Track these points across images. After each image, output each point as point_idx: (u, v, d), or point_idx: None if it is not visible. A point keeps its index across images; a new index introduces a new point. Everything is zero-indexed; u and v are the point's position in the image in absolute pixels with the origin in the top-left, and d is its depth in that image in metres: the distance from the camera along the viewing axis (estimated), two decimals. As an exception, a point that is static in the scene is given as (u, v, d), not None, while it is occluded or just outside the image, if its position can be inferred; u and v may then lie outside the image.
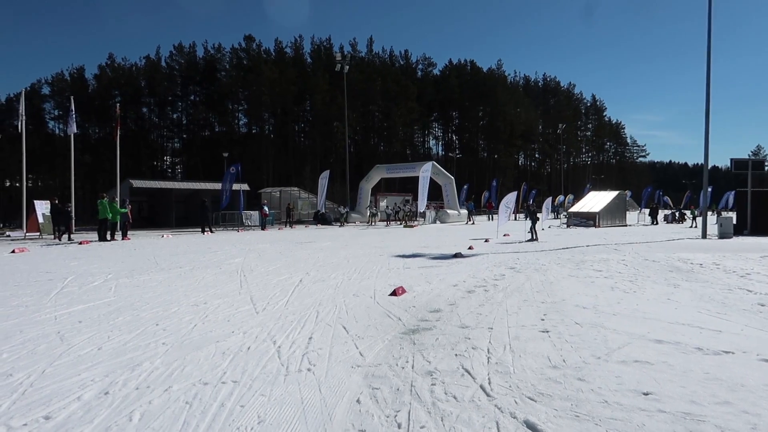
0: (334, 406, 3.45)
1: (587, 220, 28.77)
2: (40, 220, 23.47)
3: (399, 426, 3.16)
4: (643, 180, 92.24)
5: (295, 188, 44.49)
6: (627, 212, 34.17)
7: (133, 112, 70.83)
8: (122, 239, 19.69)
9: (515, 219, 32.75)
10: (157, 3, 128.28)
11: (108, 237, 19.29)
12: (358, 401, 3.55)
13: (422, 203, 31.77)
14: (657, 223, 33.51)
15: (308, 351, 4.71)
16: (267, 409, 3.41)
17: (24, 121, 26.46)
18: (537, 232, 17.88)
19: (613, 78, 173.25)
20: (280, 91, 67.27)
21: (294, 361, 4.42)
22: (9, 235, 24.47)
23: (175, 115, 75.79)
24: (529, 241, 17.13)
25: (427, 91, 78.59)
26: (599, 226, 27.78)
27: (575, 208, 31.87)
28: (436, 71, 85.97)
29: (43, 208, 23.59)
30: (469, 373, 4.11)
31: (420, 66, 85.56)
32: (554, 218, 39.22)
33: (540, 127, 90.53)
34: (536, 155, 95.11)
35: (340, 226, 31.41)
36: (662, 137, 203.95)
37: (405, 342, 5.05)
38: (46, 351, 4.72)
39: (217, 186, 31.94)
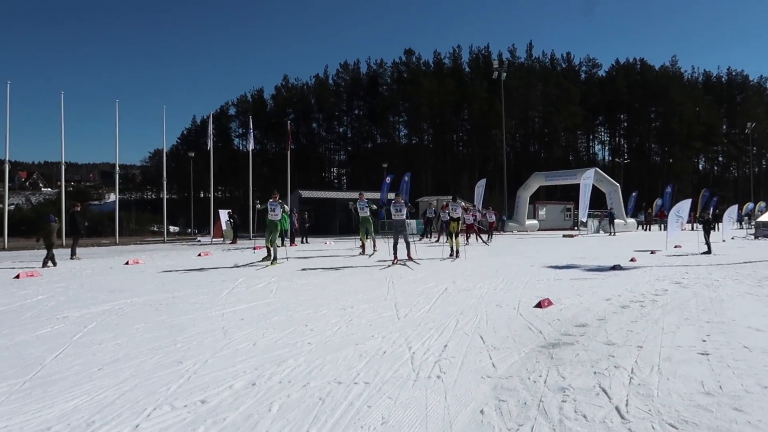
0: (456, 415, 3.48)
1: (781, 230, 25.21)
2: (224, 227, 26.37)
3: (519, 440, 3.11)
4: None
5: (452, 197, 44.72)
6: (835, 222, 29.30)
7: (304, 128, 76.68)
8: (290, 245, 21.32)
9: (692, 229, 29.78)
10: (326, 31, 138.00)
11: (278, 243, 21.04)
12: (481, 412, 3.54)
13: (583, 212, 30.20)
14: None
15: (441, 358, 4.77)
16: (392, 411, 3.54)
17: (213, 140, 29.95)
18: (710, 243, 16.07)
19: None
20: (438, 101, 68.40)
21: (425, 367, 4.52)
22: (199, 240, 27.82)
23: (341, 129, 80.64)
24: (704, 253, 15.49)
25: (591, 93, 74.62)
26: (797, 238, 24.20)
27: (765, 217, 28.10)
28: (601, 72, 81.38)
29: (226, 216, 26.48)
30: (606, 393, 3.88)
31: (584, 68, 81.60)
32: (740, 228, 34.95)
33: (724, 127, 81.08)
34: (719, 158, 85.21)
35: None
36: None
37: (542, 356, 4.90)
38: (211, 343, 5.34)
39: (377, 195, 33.30)
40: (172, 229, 50.65)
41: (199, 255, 16.25)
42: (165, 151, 33.90)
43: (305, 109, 77.26)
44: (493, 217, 23.95)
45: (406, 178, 31.89)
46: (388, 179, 32.38)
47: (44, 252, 13.44)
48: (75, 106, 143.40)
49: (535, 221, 38.00)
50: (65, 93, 23.13)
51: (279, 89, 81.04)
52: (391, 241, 13.12)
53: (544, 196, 44.72)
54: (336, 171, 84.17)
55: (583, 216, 30.93)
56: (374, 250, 16.33)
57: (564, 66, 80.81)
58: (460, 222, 15.75)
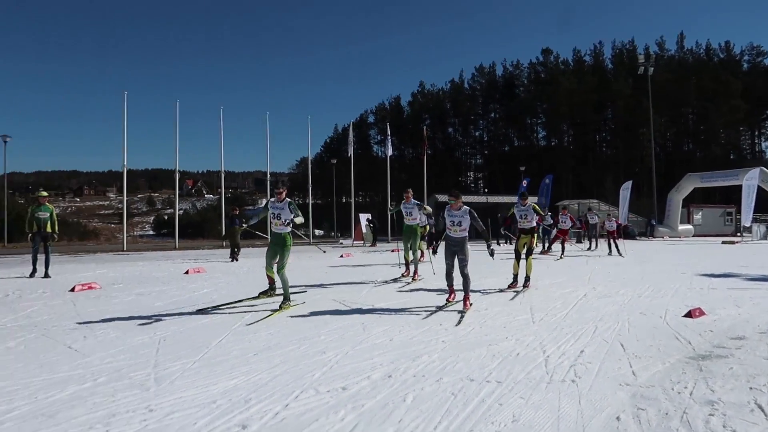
0: (590, 419, 3.43)
1: None
2: (364, 230, 27.47)
3: (658, 449, 3.00)
4: None
5: (594, 200, 42.60)
6: None
7: (440, 133, 77.32)
8: (427, 248, 21.67)
9: None
10: (461, 36, 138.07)
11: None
12: (617, 419, 3.45)
13: (747, 216, 27.30)
14: None
15: (576, 363, 4.68)
16: (523, 410, 3.57)
17: (353, 147, 31.33)
18: None
19: None
20: (579, 101, 65.41)
21: (560, 371, 4.46)
22: (341, 243, 29.22)
23: (477, 133, 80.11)
24: None
25: (756, 85, 66.79)
26: None
27: None
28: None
29: (365, 220, 27.60)
30: (762, 410, 3.58)
31: (746, 57, 73.25)
32: None
33: None
34: None
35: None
36: None
37: (690, 367, 4.61)
38: (351, 337, 5.70)
39: (513, 199, 32.72)
40: (316, 232, 53.57)
41: (341, 256, 17.12)
42: (310, 158, 36.04)
43: (441, 114, 77.90)
44: (614, 225, 19.51)
45: (547, 181, 31.12)
46: (525, 182, 31.70)
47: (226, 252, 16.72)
48: (232, 120, 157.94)
49: (689, 226, 35.08)
50: (224, 108, 25.50)
51: (415, 96, 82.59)
52: (444, 267, 7.81)
53: (700, 198, 40.90)
54: (473, 175, 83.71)
55: (746, 221, 27.96)
56: (414, 278, 11.06)
57: (722, 56, 73.31)
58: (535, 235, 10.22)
